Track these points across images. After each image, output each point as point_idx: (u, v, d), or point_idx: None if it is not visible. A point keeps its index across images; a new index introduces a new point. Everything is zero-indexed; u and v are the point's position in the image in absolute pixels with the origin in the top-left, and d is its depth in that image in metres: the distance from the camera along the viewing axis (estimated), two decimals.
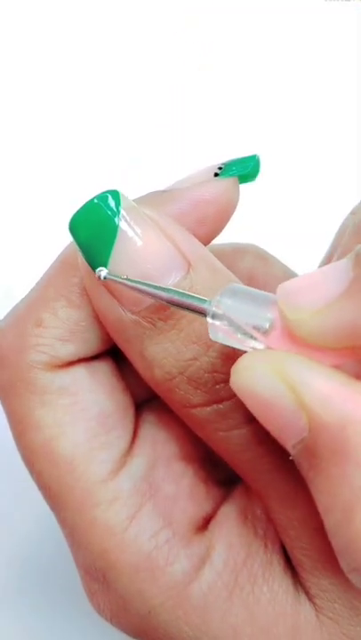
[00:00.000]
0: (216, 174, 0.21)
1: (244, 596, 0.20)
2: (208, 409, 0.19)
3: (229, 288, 0.18)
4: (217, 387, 0.19)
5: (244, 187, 0.22)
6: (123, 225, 0.19)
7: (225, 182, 0.21)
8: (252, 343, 0.17)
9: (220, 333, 0.17)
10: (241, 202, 0.22)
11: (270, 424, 0.16)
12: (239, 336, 0.17)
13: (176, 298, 0.18)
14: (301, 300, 0.16)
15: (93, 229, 0.19)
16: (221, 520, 0.21)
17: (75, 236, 0.19)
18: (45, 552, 0.33)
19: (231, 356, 0.19)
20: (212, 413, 0.19)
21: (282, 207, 0.39)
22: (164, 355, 0.19)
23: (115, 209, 0.19)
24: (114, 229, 0.19)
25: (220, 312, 0.17)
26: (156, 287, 0.18)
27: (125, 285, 0.18)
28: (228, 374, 0.19)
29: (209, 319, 0.17)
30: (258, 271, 0.27)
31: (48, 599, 0.33)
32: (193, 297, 0.18)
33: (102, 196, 0.19)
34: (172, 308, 0.19)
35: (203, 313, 0.17)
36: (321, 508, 0.16)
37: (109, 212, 0.19)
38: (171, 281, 0.19)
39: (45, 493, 0.21)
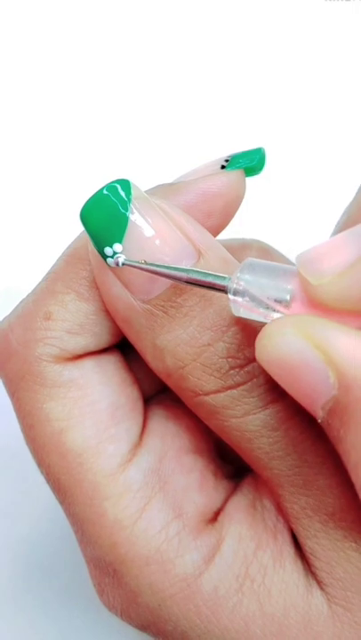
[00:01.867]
0: (223, 167, 0.22)
1: (255, 588, 0.20)
2: (222, 395, 0.19)
3: (247, 263, 0.18)
4: (231, 372, 0.19)
5: (249, 179, 0.22)
6: (133, 214, 0.19)
7: (232, 175, 0.21)
8: (275, 315, 0.17)
9: (242, 309, 0.18)
10: (245, 196, 0.22)
11: (299, 387, 0.16)
12: (261, 310, 0.17)
13: (196, 277, 0.18)
14: (323, 265, 0.16)
15: (105, 219, 0.19)
16: (231, 512, 0.21)
17: (86, 225, 0.19)
18: (51, 549, 0.33)
19: (246, 340, 0.19)
20: (225, 399, 0.19)
21: (285, 201, 0.39)
22: (176, 342, 0.19)
23: (125, 198, 0.19)
24: (125, 219, 0.19)
25: (240, 288, 0.17)
26: (174, 268, 0.18)
27: (143, 269, 0.19)
28: (243, 359, 0.19)
29: (230, 296, 0.18)
30: None
31: (54, 596, 0.33)
32: (212, 275, 0.18)
33: (113, 186, 0.19)
34: (188, 292, 0.19)
35: (223, 290, 0.18)
36: (351, 466, 0.16)
37: (120, 202, 0.19)
38: None
39: (54, 487, 0.21)
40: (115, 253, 0.19)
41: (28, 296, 0.22)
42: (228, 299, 0.18)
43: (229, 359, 0.19)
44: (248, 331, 0.19)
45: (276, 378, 0.17)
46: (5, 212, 0.39)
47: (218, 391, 0.19)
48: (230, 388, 0.19)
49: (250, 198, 0.23)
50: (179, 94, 0.43)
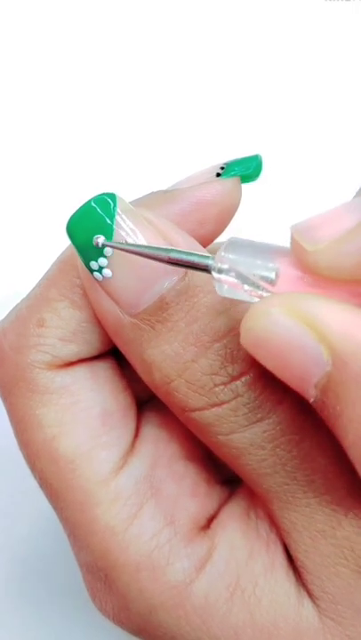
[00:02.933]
0: (218, 174, 0.22)
1: (246, 598, 0.20)
2: (207, 412, 0.19)
3: (231, 241, 0.17)
4: (216, 389, 0.19)
5: (245, 186, 0.22)
6: (120, 228, 0.19)
7: (227, 183, 0.21)
8: (260, 294, 0.17)
9: (226, 288, 0.17)
10: (242, 200, 0.22)
11: (290, 368, 0.16)
12: (246, 288, 0.17)
13: (177, 257, 0.18)
14: (319, 232, 0.16)
15: (90, 232, 0.19)
16: (224, 519, 0.21)
17: (72, 238, 0.19)
18: (47, 551, 0.33)
19: (229, 357, 0.19)
20: (211, 417, 0.19)
21: (282, 206, 0.39)
22: (162, 357, 0.19)
23: (111, 211, 0.19)
24: (111, 232, 0.19)
25: (225, 267, 0.17)
26: (155, 248, 0.18)
27: (123, 250, 0.18)
28: (226, 376, 0.19)
29: (215, 274, 0.17)
30: None
31: (53, 596, 0.33)
32: (195, 254, 0.18)
33: (99, 199, 0.19)
34: (173, 307, 0.19)
35: (206, 269, 0.17)
36: (349, 443, 0.16)
37: (106, 215, 0.19)
38: (167, 284, 0.19)
39: (47, 492, 0.22)
40: (100, 268, 0.19)
41: (21, 302, 0.22)
42: (213, 278, 0.17)
43: (213, 376, 0.19)
44: (231, 347, 0.19)
45: (263, 361, 0.16)
46: (2, 216, 0.39)
47: (203, 408, 0.19)
48: (215, 405, 0.19)
49: (246, 203, 0.22)
50: (175, 96, 0.43)
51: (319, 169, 0.41)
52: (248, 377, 0.19)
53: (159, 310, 0.19)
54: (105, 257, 0.19)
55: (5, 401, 0.21)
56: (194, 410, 0.19)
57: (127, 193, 0.21)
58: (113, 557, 0.20)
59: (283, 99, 0.43)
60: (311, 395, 0.16)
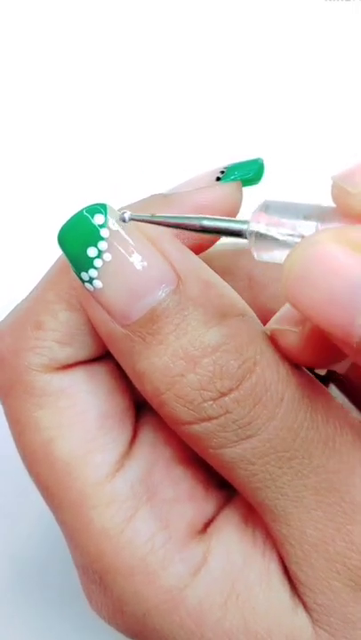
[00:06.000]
0: (218, 178, 0.21)
1: (240, 604, 0.20)
2: (196, 427, 0.19)
3: (265, 204, 0.17)
4: (204, 404, 0.19)
5: (247, 189, 0.22)
6: (111, 238, 0.19)
7: (227, 187, 0.21)
8: None
9: (263, 252, 0.17)
10: (244, 204, 0.22)
11: (341, 296, 0.15)
12: (284, 251, 0.16)
13: (210, 224, 0.17)
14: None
15: (82, 242, 0.19)
16: (221, 524, 0.21)
17: (63, 248, 0.19)
18: (51, 549, 0.33)
19: (218, 373, 0.19)
20: (200, 431, 0.19)
21: None
22: (152, 369, 0.19)
23: (103, 221, 0.19)
24: (102, 241, 0.19)
25: (261, 230, 0.17)
26: (186, 218, 0.18)
27: (152, 222, 0.18)
28: (215, 392, 0.19)
29: (250, 239, 0.17)
30: (256, 271, 0.27)
31: (54, 597, 0.33)
32: (229, 220, 0.17)
33: (90, 209, 0.19)
34: (163, 320, 0.19)
35: (240, 235, 0.17)
36: None
37: (97, 225, 0.19)
38: (159, 295, 0.19)
39: (44, 494, 0.22)
40: (91, 279, 0.19)
41: (20, 304, 0.22)
42: (249, 243, 0.17)
43: (202, 391, 0.19)
44: (221, 363, 0.19)
45: (307, 301, 0.15)
46: (4, 217, 0.39)
47: (192, 423, 0.19)
48: (204, 420, 0.19)
49: (248, 207, 0.22)
50: (175, 98, 0.42)
51: (321, 170, 0.41)
52: (238, 393, 0.19)
53: (150, 322, 0.19)
54: (95, 268, 0.19)
55: (3, 403, 0.21)
56: (184, 423, 0.19)
57: (127, 196, 0.21)
58: (108, 560, 0.20)
59: (283, 99, 0.43)
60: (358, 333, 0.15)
